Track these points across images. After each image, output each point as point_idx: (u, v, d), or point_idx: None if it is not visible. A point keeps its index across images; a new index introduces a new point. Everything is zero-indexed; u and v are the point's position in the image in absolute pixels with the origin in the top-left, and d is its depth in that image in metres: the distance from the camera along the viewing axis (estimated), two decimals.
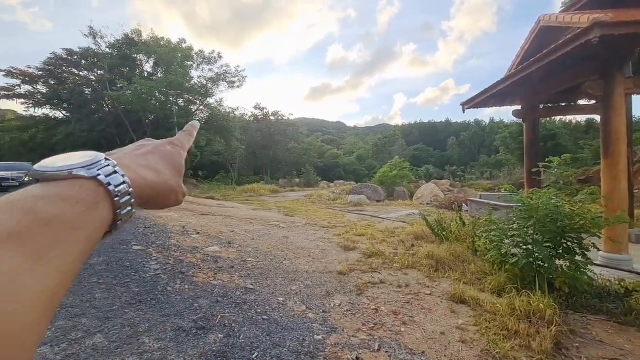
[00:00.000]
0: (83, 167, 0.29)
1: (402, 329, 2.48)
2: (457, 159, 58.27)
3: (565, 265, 3.03)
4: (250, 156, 34.47)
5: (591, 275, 3.06)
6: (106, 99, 24.23)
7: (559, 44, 4.13)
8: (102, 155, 0.32)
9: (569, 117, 31.06)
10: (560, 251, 3.07)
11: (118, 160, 0.33)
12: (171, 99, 22.77)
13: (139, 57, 26.21)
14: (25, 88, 24.50)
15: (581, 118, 35.79)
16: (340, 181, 30.75)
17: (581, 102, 7.22)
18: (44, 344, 2.09)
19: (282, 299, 3.00)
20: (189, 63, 25.14)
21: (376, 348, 2.21)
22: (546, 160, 3.65)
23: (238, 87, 27.14)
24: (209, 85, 26.01)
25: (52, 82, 24.50)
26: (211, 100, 26.53)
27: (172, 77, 21.77)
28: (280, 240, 5.35)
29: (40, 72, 24.05)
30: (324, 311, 2.77)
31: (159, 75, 24.92)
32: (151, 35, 25.79)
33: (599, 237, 3.34)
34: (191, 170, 23.76)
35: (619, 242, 3.92)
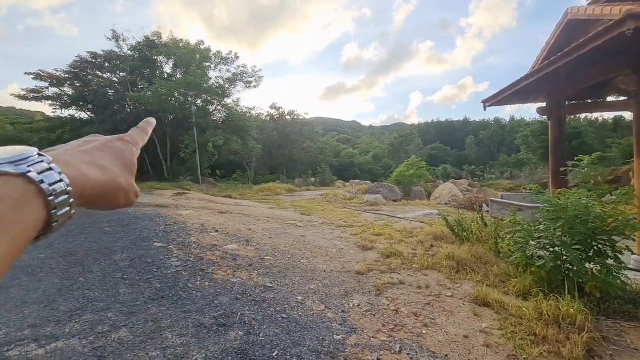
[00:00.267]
0: (10, 162, 0.27)
1: (424, 331, 2.43)
2: (475, 159, 56.96)
3: (596, 269, 2.90)
4: (267, 155, 34.78)
5: (624, 279, 2.91)
6: (128, 99, 24.95)
7: (589, 37, 3.94)
8: (34, 150, 0.30)
9: (594, 115, 29.77)
10: (591, 254, 2.93)
11: (56, 157, 0.31)
12: (190, 99, 23.21)
13: (159, 59, 26.85)
14: (53, 90, 25.53)
15: (608, 115, 34.32)
16: (356, 180, 30.62)
17: (610, 99, 6.90)
18: (73, 336, 2.16)
19: (300, 297, 3.00)
20: (207, 64, 25.57)
21: (397, 350, 2.17)
22: (575, 158, 3.49)
23: (255, 87, 27.42)
24: (226, 86, 26.39)
25: (78, 84, 25.44)
26: (228, 100, 26.91)
27: (191, 78, 22.20)
28: (298, 239, 5.36)
29: (67, 75, 25.02)
30: (343, 311, 2.75)
31: (178, 76, 25.47)
32: (171, 37, 26.38)
33: (634, 240, 3.18)
34: (209, 169, 24.16)
35: None
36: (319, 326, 2.46)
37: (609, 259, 2.87)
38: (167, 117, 24.85)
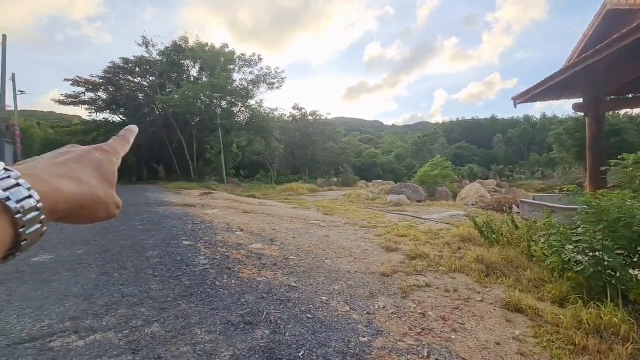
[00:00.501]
0: None
1: (453, 336, 2.36)
2: (503, 158, 54.85)
3: None
4: (289, 156, 35.10)
5: None
6: (157, 102, 25.93)
7: (634, 27, 3.69)
8: (1, 165, 0.28)
9: (636, 111, 27.83)
10: (636, 259, 2.74)
11: (26, 171, 0.29)
12: (215, 101, 23.82)
13: (186, 63, 27.74)
14: (89, 95, 26.99)
15: None
16: (379, 181, 30.30)
17: None
18: (109, 329, 2.26)
19: (325, 298, 2.99)
20: (231, 66, 26.13)
21: (425, 355, 2.12)
22: (618, 157, 3.28)
23: (277, 88, 27.73)
24: (250, 87, 26.85)
25: (111, 89, 26.76)
26: (252, 102, 27.38)
27: (216, 81, 22.77)
28: (321, 239, 5.36)
29: (101, 80, 26.37)
30: (368, 313, 2.72)
31: (204, 79, 26.20)
32: (197, 42, 27.18)
33: None
34: (233, 170, 24.68)
35: None
36: (344, 327, 2.44)
37: None
38: (193, 119, 25.66)
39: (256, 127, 26.03)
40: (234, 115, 26.75)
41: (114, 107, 27.62)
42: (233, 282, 3.26)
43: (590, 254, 2.85)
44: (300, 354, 2.06)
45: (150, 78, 27.14)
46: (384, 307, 2.83)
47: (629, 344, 2.12)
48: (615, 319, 2.30)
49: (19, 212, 0.26)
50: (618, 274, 2.66)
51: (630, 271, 2.71)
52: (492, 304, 2.93)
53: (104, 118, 28.79)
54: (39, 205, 0.27)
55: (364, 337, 2.31)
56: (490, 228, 4.88)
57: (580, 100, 6.46)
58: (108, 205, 0.36)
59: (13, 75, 21.00)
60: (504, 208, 6.81)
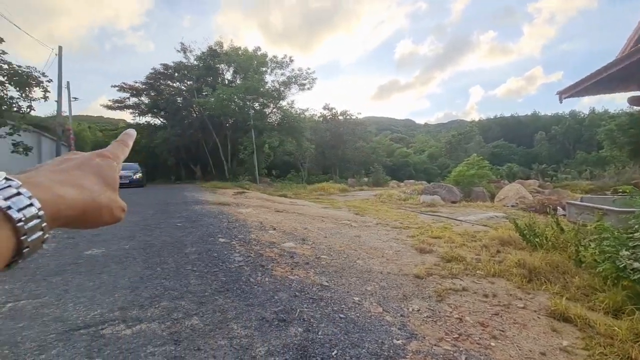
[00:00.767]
0: None
1: (492, 343, 2.25)
2: (546, 157, 51.49)
3: None
4: (320, 155, 35.28)
5: None
6: (194, 105, 27.12)
7: None
8: (1, 175, 0.28)
9: None
10: None
11: (26, 179, 0.29)
12: (248, 103, 24.48)
13: (220, 67, 28.76)
14: (133, 100, 28.82)
15: None
16: (411, 180, 29.62)
17: None
18: (153, 320, 2.40)
19: (357, 298, 2.98)
20: (264, 69, 26.72)
21: None
22: None
23: (308, 89, 28.00)
24: (282, 89, 27.32)
25: (153, 94, 28.38)
26: (283, 103, 27.85)
27: (249, 83, 23.40)
28: (353, 239, 5.34)
29: (144, 86, 28.04)
30: (401, 315, 2.67)
31: (238, 81, 27.02)
32: (231, 46, 28.10)
33: None
34: (265, 169, 25.24)
35: None
36: (377, 329, 2.41)
37: None
38: (227, 120, 26.54)
39: (287, 128, 26.43)
40: (266, 116, 27.36)
41: (155, 110, 29.29)
42: (266, 279, 3.33)
43: None
44: (333, 353, 2.07)
45: (188, 82, 28.45)
46: (418, 310, 2.77)
47: None
48: None
49: (20, 221, 0.27)
50: None
51: None
52: (535, 311, 2.77)
53: (146, 121, 30.62)
54: (40, 213, 0.28)
55: (398, 340, 2.27)
56: (533, 230, 4.60)
57: (638, 93, 5.91)
58: (112, 210, 0.37)
59: (68, 83, 22.91)
60: (548, 210, 6.38)
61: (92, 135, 35.84)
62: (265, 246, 4.60)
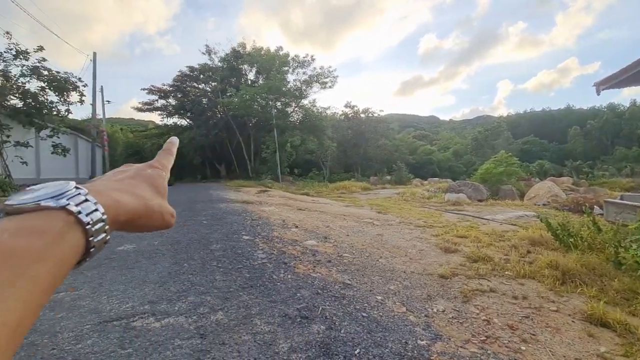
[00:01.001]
0: (51, 197, 0.29)
1: (522, 347, 2.16)
2: (581, 153, 48.70)
3: None
4: (341, 154, 35.18)
5: None
6: (218, 106, 27.78)
7: None
8: (72, 184, 0.32)
9: None
10: None
11: (91, 187, 0.33)
12: (270, 102, 24.79)
13: (244, 67, 29.30)
14: (161, 102, 29.89)
15: None
16: (435, 178, 28.99)
17: None
18: (181, 314, 2.49)
19: (380, 297, 2.95)
20: (285, 68, 26.96)
21: None
22: None
23: (330, 87, 27.98)
24: (303, 87, 27.47)
25: (179, 96, 29.32)
26: (305, 102, 28.00)
27: (271, 83, 23.69)
28: (375, 238, 5.29)
29: (171, 88, 29.02)
30: (426, 315, 2.62)
31: (260, 81, 27.43)
32: (253, 47, 28.55)
33: None
34: (287, 168, 25.49)
35: None
36: (400, 329, 2.38)
37: None
38: (250, 120, 27.02)
39: (309, 126, 26.55)
40: (288, 115, 27.60)
41: (181, 111, 30.26)
42: (289, 276, 3.36)
43: None
44: (356, 352, 2.06)
45: (213, 83, 29.19)
46: (443, 311, 2.70)
47: None
48: None
49: (88, 224, 0.30)
50: None
51: None
52: (569, 315, 2.63)
53: (173, 122, 31.71)
54: (103, 217, 0.32)
55: (422, 341, 2.22)
56: (567, 230, 4.37)
57: None
58: (162, 214, 0.40)
59: (101, 87, 24.11)
60: (583, 209, 6.04)
61: (124, 137, 37.51)
62: (287, 244, 4.64)
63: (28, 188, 0.31)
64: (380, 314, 2.62)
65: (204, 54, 28.69)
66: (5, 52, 11.43)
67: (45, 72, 12.31)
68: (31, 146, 12.39)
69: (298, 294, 2.92)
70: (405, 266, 3.87)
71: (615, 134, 50.90)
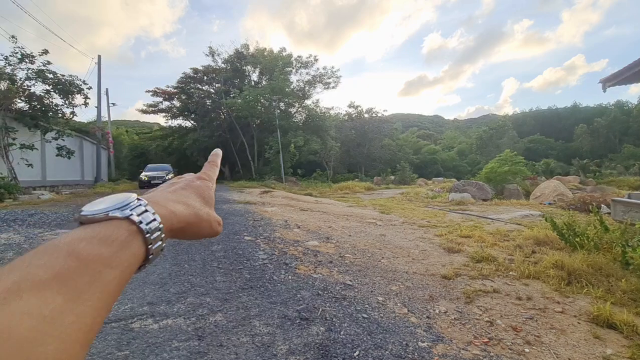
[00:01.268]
0: (117, 208, 0.32)
1: (526, 349, 2.11)
2: (588, 151, 48.08)
3: None
4: (345, 154, 35.13)
5: None
6: (222, 107, 27.89)
7: None
8: (134, 196, 0.35)
9: None
10: None
11: (149, 199, 0.36)
12: (274, 103, 24.83)
13: (247, 68, 29.39)
14: (166, 104, 30.04)
15: None
16: (439, 178, 28.82)
17: None
18: (179, 315, 2.47)
19: (381, 298, 2.91)
20: (289, 69, 26.99)
21: None
22: None
23: (333, 87, 27.99)
24: (306, 88, 27.48)
25: (183, 97, 29.45)
26: (308, 102, 27.99)
27: (274, 83, 23.72)
28: (377, 238, 5.24)
29: (175, 90, 29.17)
30: (427, 317, 2.58)
31: (264, 82, 27.49)
32: (256, 48, 28.61)
33: None
34: (291, 169, 25.48)
35: None
36: (401, 330, 2.34)
37: None
38: (254, 121, 27.06)
39: (312, 127, 26.54)
40: (291, 116, 27.62)
41: (186, 113, 30.41)
42: (290, 277, 3.34)
43: None
44: (355, 354, 2.02)
45: (216, 85, 29.32)
46: (445, 312, 2.66)
47: None
48: None
49: (148, 232, 0.32)
50: None
51: None
52: (575, 316, 2.57)
53: (177, 124, 31.88)
54: (160, 226, 0.34)
55: (423, 342, 2.18)
56: (573, 229, 4.29)
57: None
58: (211, 223, 0.43)
59: (107, 90, 24.30)
60: (590, 208, 5.95)
61: (130, 139, 37.84)
62: (289, 244, 4.62)
63: (98, 199, 0.34)
64: (381, 315, 2.58)
65: (207, 55, 28.86)
66: (10, 55, 11.55)
67: (50, 75, 12.43)
68: (36, 149, 12.49)
69: (298, 295, 2.89)
70: (407, 267, 3.83)
71: (623, 132, 50.11)
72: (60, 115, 13.39)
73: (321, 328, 2.33)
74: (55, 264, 0.25)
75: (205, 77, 29.26)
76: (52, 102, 12.87)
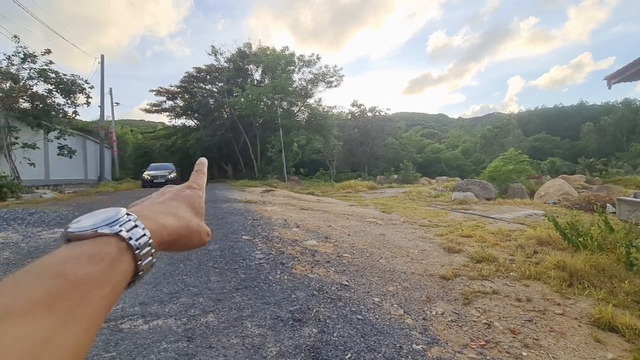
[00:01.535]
0: (106, 224, 0.31)
1: (524, 353, 2.05)
2: (594, 150, 47.46)
3: None
4: (348, 153, 35.02)
5: None
6: (225, 106, 27.90)
7: None
8: (123, 211, 0.34)
9: None
10: None
11: (139, 213, 0.35)
12: (276, 102, 24.79)
13: (249, 67, 29.37)
14: (169, 103, 30.12)
15: None
16: (443, 177, 28.65)
17: None
18: (170, 316, 2.43)
19: (377, 299, 2.86)
20: (291, 67, 26.93)
21: None
22: None
23: (336, 86, 27.91)
24: (309, 87, 27.41)
25: (187, 96, 29.52)
26: (310, 101, 27.93)
27: (277, 82, 23.68)
28: (377, 238, 5.18)
29: (179, 89, 29.23)
30: (424, 318, 2.52)
31: (266, 81, 27.45)
32: (259, 47, 28.58)
33: None
34: (293, 168, 25.46)
35: None
36: (396, 332, 2.29)
37: None
38: (257, 120, 27.05)
39: (315, 126, 26.48)
40: (293, 115, 27.57)
41: (189, 112, 30.49)
42: (285, 277, 3.29)
43: None
44: (347, 357, 1.97)
45: (219, 84, 29.34)
46: (442, 314, 2.59)
47: None
48: None
49: (137, 248, 0.32)
50: None
51: None
52: (576, 318, 2.50)
53: (181, 123, 31.97)
54: (150, 242, 0.33)
55: (418, 345, 2.13)
56: (576, 229, 4.20)
57: None
58: (200, 234, 0.42)
59: (110, 89, 24.44)
60: (595, 207, 5.83)
61: (134, 138, 38.01)
62: (287, 244, 4.57)
63: (86, 215, 0.33)
64: (377, 316, 2.53)
65: (210, 54, 28.87)
66: (13, 55, 11.62)
67: (52, 75, 12.49)
68: (39, 148, 12.57)
69: (293, 296, 2.85)
70: (406, 267, 3.77)
71: (631, 130, 49.34)
72: (62, 114, 13.46)
73: (314, 329, 2.28)
74: (44, 286, 0.24)
75: (208, 77, 29.28)
76: (54, 101, 12.95)
